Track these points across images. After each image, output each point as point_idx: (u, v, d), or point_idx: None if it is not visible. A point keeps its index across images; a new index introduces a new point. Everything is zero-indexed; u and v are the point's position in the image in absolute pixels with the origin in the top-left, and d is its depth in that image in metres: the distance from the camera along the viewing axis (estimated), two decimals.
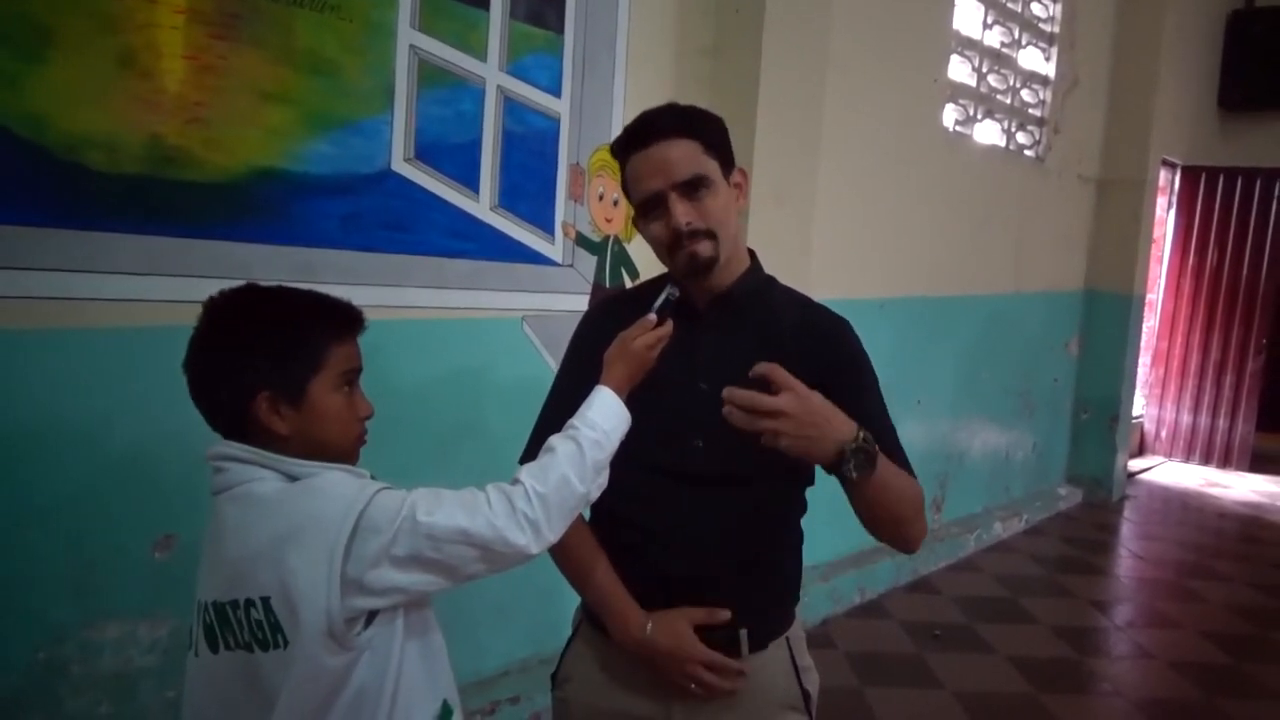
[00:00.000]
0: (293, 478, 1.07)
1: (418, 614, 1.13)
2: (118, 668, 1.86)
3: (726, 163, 1.33)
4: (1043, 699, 3.14)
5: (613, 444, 1.19)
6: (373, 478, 1.11)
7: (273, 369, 1.08)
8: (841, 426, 1.17)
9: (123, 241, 1.79)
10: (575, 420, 1.19)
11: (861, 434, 1.17)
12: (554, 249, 2.65)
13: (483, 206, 2.45)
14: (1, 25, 1.62)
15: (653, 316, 1.27)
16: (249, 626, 1.04)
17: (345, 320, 1.15)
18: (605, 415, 1.20)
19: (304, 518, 1.03)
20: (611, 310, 1.46)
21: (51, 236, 1.71)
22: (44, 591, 1.76)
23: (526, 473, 1.13)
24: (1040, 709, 3.07)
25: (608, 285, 2.80)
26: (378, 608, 1.05)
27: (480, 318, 2.49)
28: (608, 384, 1.23)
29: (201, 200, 1.89)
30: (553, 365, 2.61)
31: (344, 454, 1.14)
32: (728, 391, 1.12)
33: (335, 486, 1.06)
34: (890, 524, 1.33)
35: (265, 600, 1.02)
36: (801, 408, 1.12)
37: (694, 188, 1.28)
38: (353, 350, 1.15)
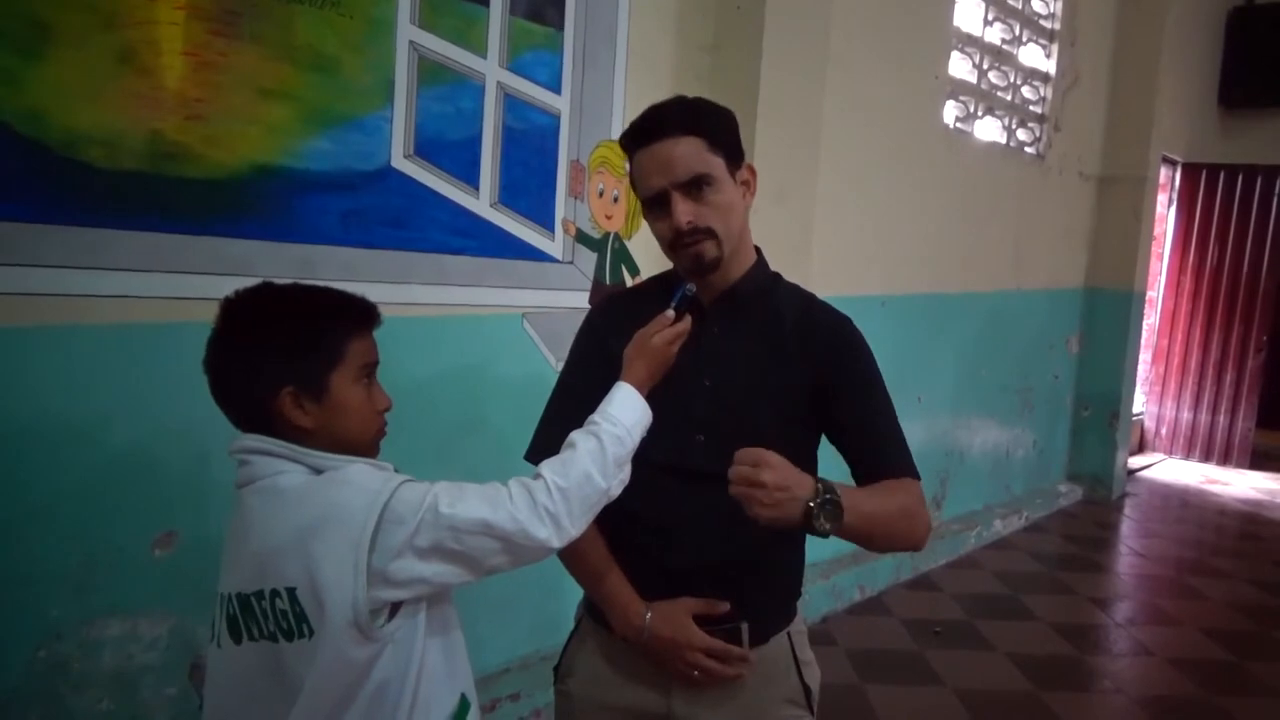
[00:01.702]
0: (317, 470, 1.09)
1: (439, 609, 1.15)
2: (118, 665, 1.86)
3: (733, 158, 1.33)
4: (1043, 696, 3.14)
5: (634, 440, 1.20)
6: (395, 470, 1.12)
7: (295, 364, 1.09)
8: (804, 484, 1.18)
9: (122, 238, 1.79)
10: (596, 416, 1.20)
11: (820, 486, 1.18)
12: (554, 246, 2.65)
13: (483, 203, 2.45)
14: (2, 22, 1.62)
15: (671, 313, 1.27)
16: (274, 617, 1.05)
17: (362, 315, 1.17)
18: (626, 411, 1.20)
19: (330, 509, 1.04)
20: (618, 306, 1.47)
21: (51, 233, 1.71)
22: (44, 588, 1.76)
23: (548, 467, 1.14)
24: (1040, 706, 3.07)
25: (608, 282, 2.80)
26: (401, 599, 1.06)
27: (480, 314, 2.49)
28: (628, 380, 1.24)
29: (201, 197, 1.89)
30: (553, 362, 2.62)
31: (365, 446, 1.16)
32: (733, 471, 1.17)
33: (360, 478, 1.07)
34: (884, 544, 1.35)
35: (291, 591, 1.03)
36: (773, 477, 1.15)
37: (696, 186, 1.28)
38: (370, 344, 1.17)
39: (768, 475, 1.14)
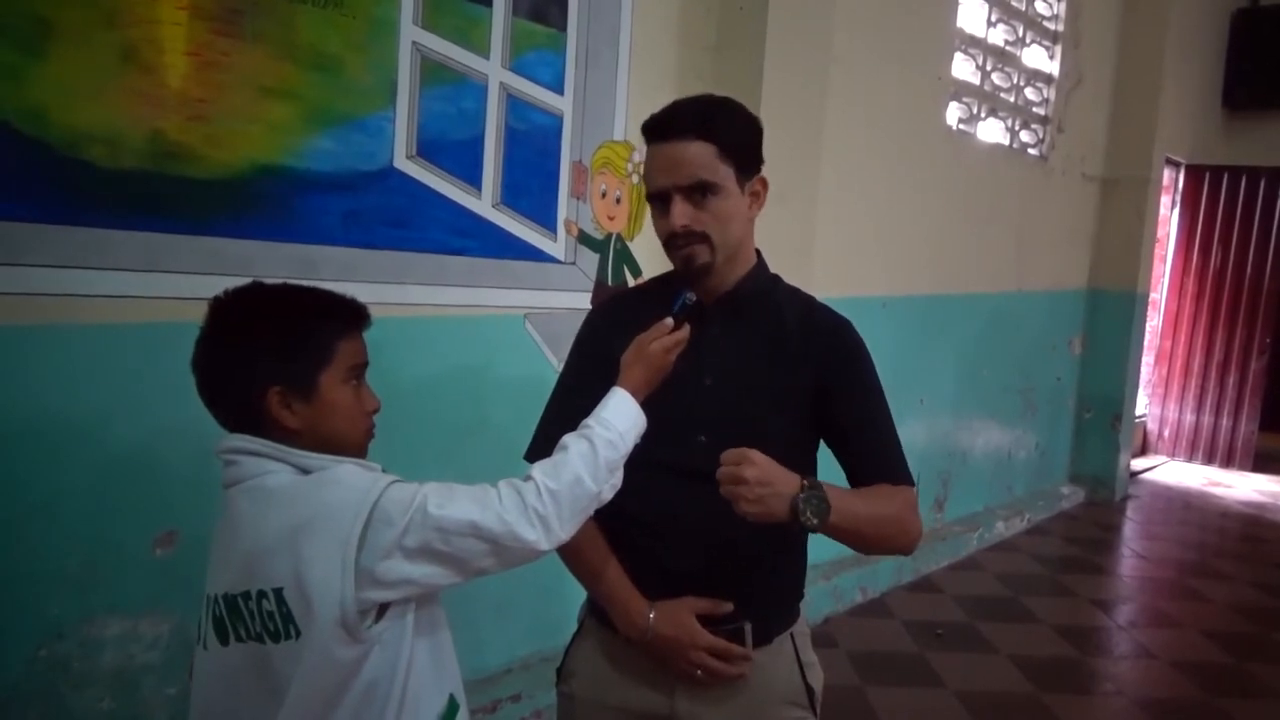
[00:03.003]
0: (305, 470, 1.09)
1: (427, 610, 1.14)
2: (119, 664, 1.86)
3: (745, 168, 1.32)
4: (1044, 698, 3.13)
5: (627, 445, 1.20)
6: (384, 471, 1.12)
7: (283, 364, 1.09)
8: (789, 481, 1.20)
9: (124, 237, 1.79)
10: (590, 420, 1.19)
11: (806, 482, 1.20)
12: (556, 246, 2.65)
13: (485, 204, 2.45)
14: (4, 19, 1.62)
15: (670, 320, 1.27)
16: (260, 618, 1.04)
17: (351, 315, 1.17)
18: (620, 416, 1.20)
19: (318, 509, 1.04)
20: (619, 308, 1.47)
21: (52, 232, 1.71)
22: (45, 587, 1.76)
23: (539, 469, 1.13)
24: (1042, 708, 3.07)
25: (610, 283, 2.80)
26: (389, 600, 1.06)
27: (482, 315, 2.49)
28: (624, 386, 1.23)
29: (203, 196, 1.89)
30: (555, 363, 2.61)
31: (353, 447, 1.15)
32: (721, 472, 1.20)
33: (349, 478, 1.07)
34: (873, 546, 1.36)
35: (278, 591, 1.03)
36: (755, 473, 1.18)
37: (699, 192, 1.28)
38: (359, 345, 1.17)
39: (750, 472, 1.17)
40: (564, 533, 1.12)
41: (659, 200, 1.31)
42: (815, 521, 1.20)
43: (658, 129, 1.31)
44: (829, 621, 3.65)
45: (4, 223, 1.65)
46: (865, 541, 1.33)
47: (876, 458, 1.36)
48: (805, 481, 1.20)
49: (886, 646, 3.50)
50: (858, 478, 1.37)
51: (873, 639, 3.56)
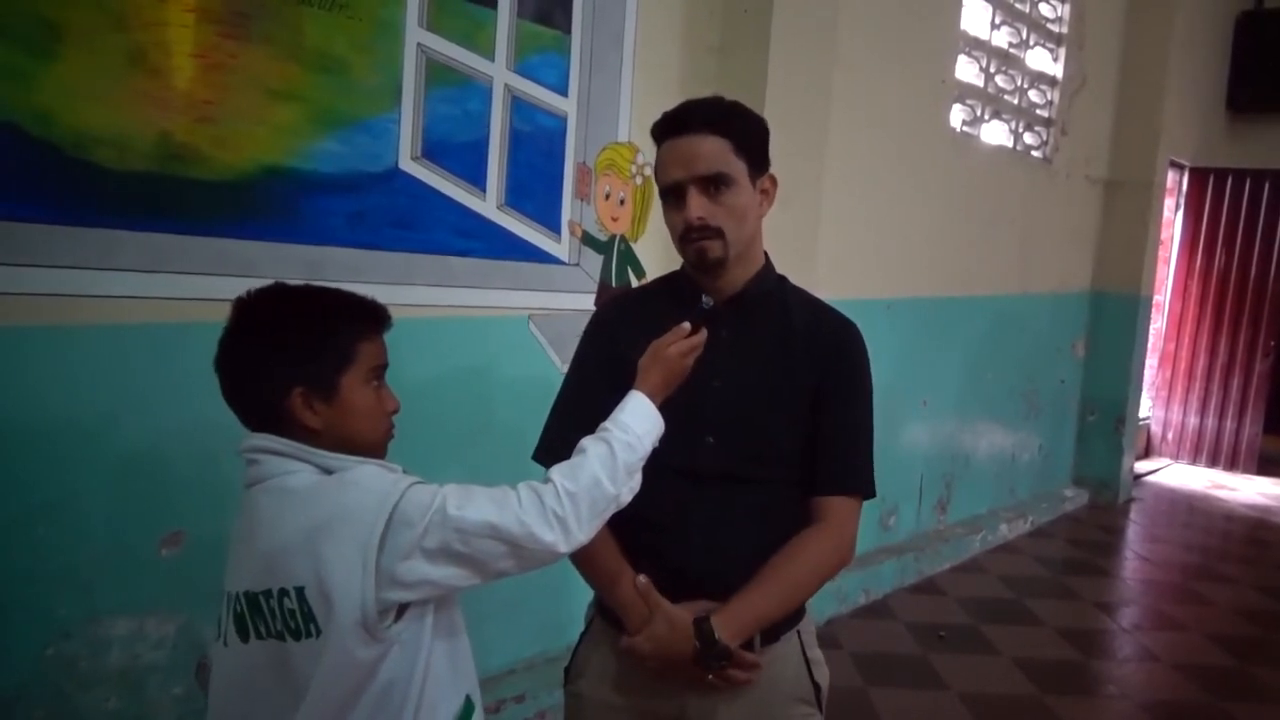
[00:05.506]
0: (327, 471, 1.10)
1: (446, 612, 1.15)
2: (125, 663, 1.87)
3: (757, 165, 1.34)
4: (1047, 701, 3.13)
5: (645, 448, 1.20)
6: (405, 472, 1.13)
7: (306, 365, 1.10)
8: (681, 640, 1.29)
9: (130, 238, 1.80)
10: (608, 423, 1.20)
11: (697, 636, 1.27)
12: (560, 248, 2.65)
13: (489, 205, 2.46)
14: (12, 21, 1.63)
15: (687, 325, 1.28)
16: (281, 616, 1.05)
17: (373, 317, 1.18)
18: (638, 419, 1.21)
19: (339, 510, 1.05)
20: (625, 306, 1.48)
21: (59, 233, 1.71)
22: (51, 588, 1.77)
23: (557, 472, 1.14)
24: (1045, 711, 3.06)
25: (614, 284, 2.80)
26: (409, 600, 1.07)
27: (486, 316, 2.49)
28: (641, 389, 1.24)
29: (209, 198, 1.90)
30: (559, 363, 2.62)
31: (374, 447, 1.16)
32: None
33: (369, 480, 1.08)
34: (808, 597, 1.41)
35: (299, 590, 1.04)
36: (650, 647, 1.30)
37: (714, 185, 1.30)
38: (380, 346, 1.18)
39: (646, 647, 1.29)
40: (583, 535, 1.13)
41: (673, 194, 1.33)
42: (724, 664, 1.27)
43: (672, 125, 1.33)
44: (832, 623, 3.65)
45: (11, 223, 1.66)
46: (797, 603, 1.38)
47: (834, 464, 1.37)
48: (696, 633, 1.26)
49: (889, 648, 3.50)
50: (809, 482, 1.38)
51: (876, 641, 3.56)
